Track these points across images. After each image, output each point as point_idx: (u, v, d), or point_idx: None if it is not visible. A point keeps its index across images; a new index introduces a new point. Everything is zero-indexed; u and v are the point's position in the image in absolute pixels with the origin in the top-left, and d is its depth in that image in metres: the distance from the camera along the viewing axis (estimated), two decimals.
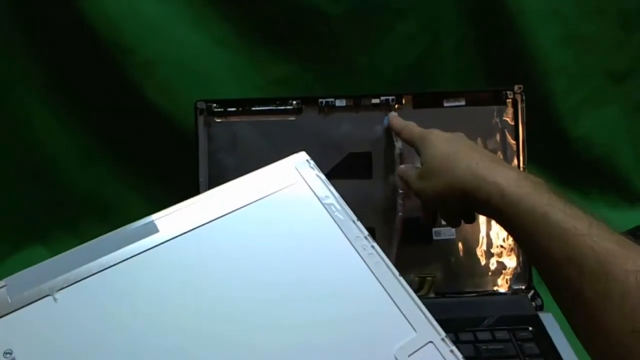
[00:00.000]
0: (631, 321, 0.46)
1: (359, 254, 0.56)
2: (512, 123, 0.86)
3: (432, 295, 0.84)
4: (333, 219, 0.58)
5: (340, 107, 0.85)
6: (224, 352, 0.49)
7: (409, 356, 0.50)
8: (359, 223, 0.58)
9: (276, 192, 0.60)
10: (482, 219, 0.85)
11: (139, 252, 0.54)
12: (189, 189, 0.81)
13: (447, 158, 0.67)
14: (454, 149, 0.68)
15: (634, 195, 1.06)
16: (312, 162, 0.63)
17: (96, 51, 0.91)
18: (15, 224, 0.99)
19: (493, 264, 0.85)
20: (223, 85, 0.96)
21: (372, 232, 0.83)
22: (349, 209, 0.59)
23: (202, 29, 0.94)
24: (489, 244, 0.86)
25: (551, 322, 0.78)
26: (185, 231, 0.56)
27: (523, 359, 0.73)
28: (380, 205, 0.85)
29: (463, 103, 0.86)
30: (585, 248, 0.50)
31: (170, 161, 0.97)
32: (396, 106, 0.85)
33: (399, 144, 0.83)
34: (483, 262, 0.86)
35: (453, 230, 0.85)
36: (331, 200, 0.60)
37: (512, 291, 0.85)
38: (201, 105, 0.84)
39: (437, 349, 0.50)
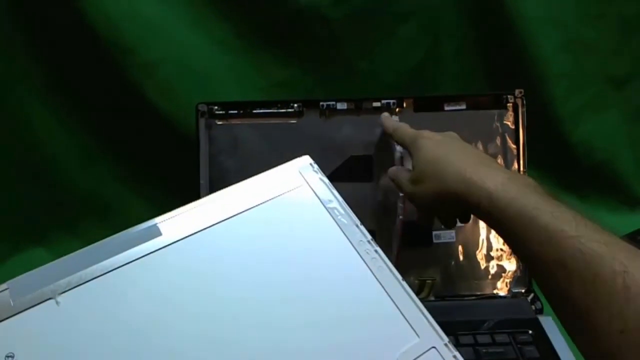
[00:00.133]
0: (620, 322, 0.46)
1: (362, 258, 0.56)
2: (513, 127, 0.86)
3: (432, 298, 0.85)
4: (336, 222, 0.58)
5: (342, 110, 0.85)
6: (228, 355, 0.49)
7: None
8: (362, 227, 0.58)
9: (279, 195, 0.60)
10: (482, 223, 0.85)
11: (142, 255, 0.54)
12: (189, 190, 0.81)
13: (437, 162, 0.67)
14: (444, 152, 0.68)
15: (634, 199, 1.06)
16: (315, 165, 0.63)
17: (96, 51, 0.91)
18: (15, 224, 0.99)
19: (493, 267, 0.86)
20: (223, 86, 0.96)
21: (373, 235, 0.83)
22: (352, 213, 0.59)
23: (202, 30, 0.94)
24: (489, 247, 0.86)
25: (551, 326, 0.78)
26: (188, 234, 0.56)
27: None
28: (380, 208, 0.85)
29: (464, 107, 0.86)
30: (573, 250, 0.50)
31: (170, 162, 0.97)
32: (397, 110, 0.85)
33: (399, 147, 0.83)
34: (483, 265, 0.86)
35: (453, 233, 0.85)
36: (335, 204, 0.60)
37: (512, 294, 0.85)
38: (202, 107, 0.84)
39: (440, 354, 0.50)
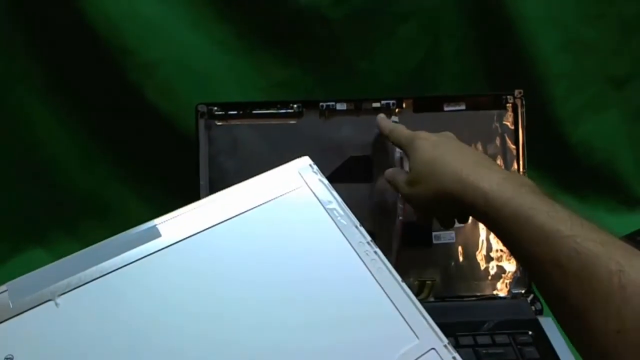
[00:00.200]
0: (616, 321, 0.47)
1: (362, 259, 0.56)
2: (512, 127, 0.86)
3: (432, 299, 0.85)
4: (336, 224, 0.58)
5: (341, 111, 0.85)
6: (227, 356, 0.49)
7: None
8: (361, 228, 0.58)
9: (279, 196, 0.60)
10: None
11: (141, 256, 0.54)
12: (189, 190, 0.81)
13: (433, 163, 0.67)
14: (441, 153, 0.68)
15: (634, 200, 1.06)
16: (315, 166, 0.63)
17: (96, 51, 0.91)
18: (15, 224, 0.99)
19: (493, 268, 0.86)
20: (223, 86, 0.96)
21: (372, 236, 0.83)
22: (351, 214, 0.59)
23: (202, 31, 0.94)
24: (489, 248, 0.86)
25: (551, 326, 0.78)
26: (188, 236, 0.56)
27: None
28: (380, 209, 0.85)
29: (463, 107, 0.86)
30: (569, 250, 0.51)
31: (170, 162, 0.97)
32: (397, 110, 0.85)
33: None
34: (483, 266, 0.86)
35: (453, 234, 0.85)
36: (334, 205, 0.60)
37: (512, 295, 0.85)
38: (202, 108, 0.84)
39: (440, 355, 0.50)
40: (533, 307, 0.83)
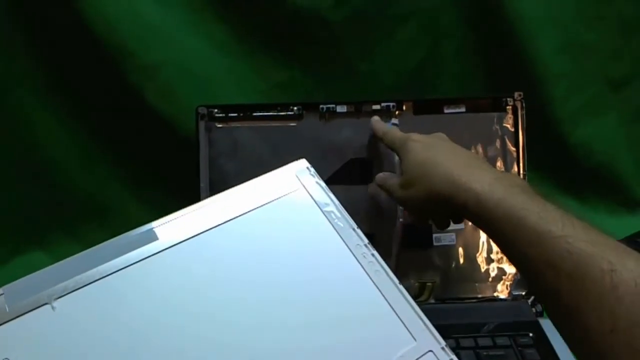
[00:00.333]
0: (609, 321, 0.47)
1: (359, 262, 0.56)
2: (512, 130, 0.86)
3: (432, 301, 0.85)
4: (333, 226, 0.58)
5: (341, 113, 0.85)
6: (225, 357, 0.49)
7: None
8: (359, 231, 0.58)
9: (276, 199, 0.60)
10: None
11: (138, 259, 0.54)
12: (189, 193, 0.81)
13: (424, 165, 0.67)
14: (432, 154, 0.68)
15: (633, 202, 1.06)
16: (312, 169, 0.63)
17: (96, 53, 0.91)
18: (14, 225, 0.99)
19: (493, 270, 0.86)
20: (223, 89, 0.96)
21: (372, 238, 0.83)
22: (349, 216, 0.59)
23: (202, 33, 0.94)
24: (489, 250, 0.86)
25: (551, 328, 0.77)
26: (184, 239, 0.56)
27: None
28: (380, 211, 0.85)
29: (463, 109, 0.86)
30: (561, 251, 0.51)
31: (170, 164, 0.97)
32: (397, 112, 0.85)
33: None
34: (483, 268, 0.86)
35: (453, 236, 0.85)
36: (331, 207, 0.60)
37: (512, 297, 0.85)
38: (202, 110, 0.84)
39: (437, 357, 0.51)
40: (534, 309, 0.82)
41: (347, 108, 0.85)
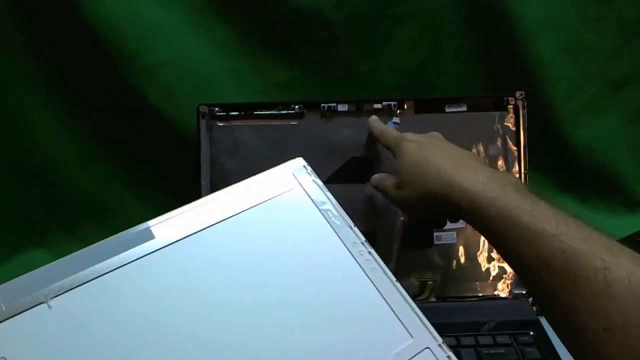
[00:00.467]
0: (603, 320, 0.47)
1: (356, 260, 0.56)
2: (514, 129, 0.86)
3: (433, 299, 0.85)
4: (330, 224, 0.59)
5: (342, 112, 0.85)
6: (221, 356, 0.49)
7: None
8: (355, 229, 0.58)
9: (273, 198, 0.60)
10: None
11: (134, 258, 0.54)
12: (190, 193, 0.81)
13: (418, 166, 0.67)
14: (426, 154, 0.68)
15: (634, 201, 1.06)
16: (309, 167, 0.63)
17: (97, 53, 0.91)
18: (14, 225, 0.99)
19: (494, 269, 0.86)
20: (224, 89, 0.96)
21: (373, 237, 0.84)
22: (345, 214, 0.60)
23: (203, 33, 0.94)
24: (490, 248, 0.86)
25: None
26: (181, 237, 0.56)
27: None
28: (381, 210, 0.85)
29: (465, 109, 0.86)
30: (554, 249, 0.51)
31: (171, 164, 0.97)
32: (398, 111, 0.85)
33: None
34: (484, 266, 0.86)
35: (454, 234, 0.85)
36: (328, 206, 0.60)
37: (513, 296, 0.85)
38: (203, 109, 0.84)
39: (434, 354, 0.51)
40: (534, 308, 0.82)
41: (348, 107, 0.85)
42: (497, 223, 0.56)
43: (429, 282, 0.85)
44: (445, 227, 0.80)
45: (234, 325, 0.51)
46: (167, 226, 0.56)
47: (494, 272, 0.86)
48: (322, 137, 0.85)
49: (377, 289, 0.54)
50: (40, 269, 0.52)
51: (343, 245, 0.57)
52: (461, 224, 0.83)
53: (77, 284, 0.51)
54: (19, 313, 0.49)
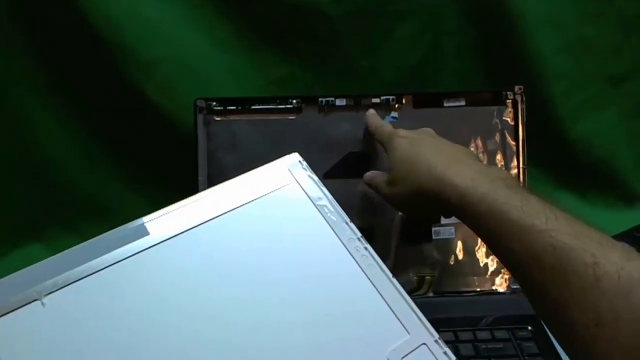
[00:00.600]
0: (593, 315, 0.47)
1: (352, 256, 0.56)
2: (512, 123, 0.86)
3: (431, 294, 0.84)
4: (326, 220, 0.59)
5: (341, 107, 0.85)
6: (217, 353, 0.49)
7: (402, 358, 0.50)
8: (352, 224, 0.58)
9: (268, 193, 0.60)
10: None
11: (129, 254, 0.54)
12: (189, 189, 0.81)
13: (411, 161, 0.68)
14: (417, 151, 0.68)
15: (632, 196, 1.06)
16: (304, 163, 0.63)
17: (96, 51, 0.91)
18: (14, 224, 0.99)
19: (492, 264, 0.86)
20: (223, 85, 0.96)
21: (371, 231, 0.84)
22: (341, 210, 0.59)
23: (202, 29, 0.94)
24: None
25: None
26: (176, 234, 0.56)
27: (522, 358, 0.73)
28: (379, 205, 0.84)
29: (463, 103, 0.86)
30: (544, 244, 0.51)
31: (171, 161, 0.96)
32: (396, 106, 0.85)
33: None
34: (482, 261, 0.86)
35: (452, 229, 0.85)
36: (324, 201, 0.60)
37: (511, 291, 0.85)
38: (201, 103, 0.84)
39: (431, 350, 0.51)
40: None
41: (346, 101, 0.85)
42: (487, 219, 0.56)
43: (427, 277, 0.84)
44: (443, 222, 0.81)
45: (229, 322, 0.51)
46: (162, 222, 0.56)
47: (492, 267, 0.86)
48: (320, 131, 0.85)
49: (373, 285, 0.54)
50: (33, 265, 0.52)
51: (339, 241, 0.57)
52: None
53: (71, 281, 0.51)
54: (12, 310, 0.49)
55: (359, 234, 0.57)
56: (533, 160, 0.88)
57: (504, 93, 0.86)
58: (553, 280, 0.50)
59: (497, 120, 0.86)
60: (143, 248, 0.54)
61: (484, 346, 0.74)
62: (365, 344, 0.50)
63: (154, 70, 0.93)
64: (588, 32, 0.99)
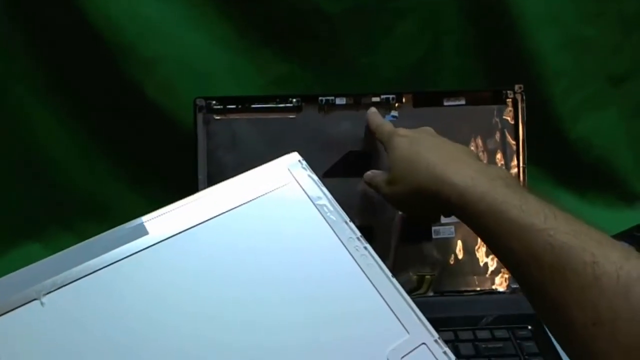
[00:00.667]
0: (592, 314, 0.47)
1: (352, 255, 0.56)
2: (512, 122, 0.86)
3: (431, 293, 0.84)
4: (325, 220, 0.58)
5: (341, 106, 0.85)
6: (216, 352, 0.49)
7: (401, 358, 0.50)
8: (351, 224, 0.58)
9: (268, 193, 0.60)
10: None
11: (128, 254, 0.53)
12: (189, 189, 0.80)
13: (409, 161, 0.68)
14: (417, 150, 0.68)
15: (632, 196, 1.06)
16: (304, 162, 0.63)
17: (96, 50, 0.90)
18: (14, 223, 0.99)
19: (492, 263, 0.86)
20: (223, 84, 0.96)
21: (371, 231, 0.84)
22: (341, 209, 0.59)
23: (202, 28, 0.94)
24: None
25: None
26: (174, 233, 0.55)
27: (522, 357, 0.73)
28: (379, 204, 0.84)
29: (463, 102, 0.86)
30: (543, 244, 0.51)
31: (170, 160, 0.96)
32: (396, 105, 0.85)
33: None
34: (482, 260, 0.86)
35: (452, 228, 0.85)
36: (323, 201, 0.59)
37: (511, 290, 0.85)
38: (200, 102, 0.84)
39: (430, 350, 0.51)
40: None
41: (346, 100, 0.85)
42: (487, 218, 0.56)
43: (427, 277, 0.84)
44: (443, 221, 0.81)
45: (228, 322, 0.50)
46: (161, 222, 0.56)
47: (492, 267, 0.85)
48: (320, 130, 0.85)
49: (373, 284, 0.54)
50: (32, 265, 0.51)
51: (339, 241, 0.57)
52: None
53: (70, 280, 0.51)
54: (11, 310, 0.49)
55: (359, 234, 0.57)
56: (533, 159, 0.88)
57: (504, 92, 0.86)
58: (552, 279, 0.50)
59: (497, 119, 0.86)
60: (142, 247, 0.54)
61: (484, 345, 0.74)
62: (365, 344, 0.50)
63: (154, 69, 0.93)
64: (588, 31, 0.99)
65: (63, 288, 0.50)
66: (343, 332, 0.51)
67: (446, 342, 0.51)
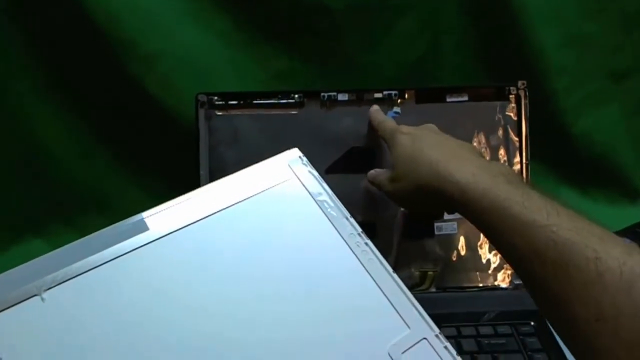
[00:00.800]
0: (595, 310, 0.47)
1: (352, 251, 0.56)
2: (515, 119, 0.86)
3: (433, 290, 0.84)
4: (326, 215, 0.58)
5: (343, 101, 0.85)
6: (216, 349, 0.49)
7: (402, 353, 0.50)
8: (352, 220, 0.58)
9: (268, 189, 0.60)
10: None
11: (128, 250, 0.53)
12: (190, 184, 0.80)
13: (412, 158, 0.68)
14: (419, 147, 0.68)
15: (635, 192, 1.06)
16: (304, 158, 0.62)
17: (96, 46, 0.90)
18: (14, 219, 0.98)
19: (495, 259, 0.85)
20: (224, 79, 0.96)
21: (374, 227, 0.84)
22: (342, 205, 0.59)
23: (203, 23, 0.93)
24: None
25: None
26: (175, 229, 0.55)
27: (525, 353, 0.73)
28: (382, 200, 0.84)
29: (466, 98, 0.86)
30: (546, 240, 0.51)
31: (171, 156, 0.96)
32: (399, 101, 0.85)
33: None
34: (485, 257, 0.86)
35: (455, 225, 0.85)
36: (324, 197, 0.59)
37: (514, 286, 0.85)
38: (202, 98, 0.84)
39: (431, 345, 0.51)
40: None
41: (348, 96, 0.85)
42: (489, 214, 0.56)
43: (430, 273, 0.84)
44: (446, 218, 0.81)
45: (229, 317, 0.50)
46: (162, 217, 0.56)
47: (494, 263, 0.85)
48: (322, 126, 0.85)
49: (373, 280, 0.54)
50: (33, 260, 0.51)
51: (339, 237, 0.57)
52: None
53: (70, 276, 0.50)
54: (12, 306, 0.48)
55: (360, 229, 0.57)
56: (535, 156, 0.87)
57: (507, 88, 0.86)
58: (555, 276, 0.50)
59: (500, 116, 0.86)
60: (143, 243, 0.54)
61: (486, 341, 0.74)
62: (366, 339, 0.50)
63: (154, 64, 0.92)
64: (590, 28, 0.99)
65: (64, 284, 0.50)
66: (344, 327, 0.51)
67: (448, 338, 0.52)
